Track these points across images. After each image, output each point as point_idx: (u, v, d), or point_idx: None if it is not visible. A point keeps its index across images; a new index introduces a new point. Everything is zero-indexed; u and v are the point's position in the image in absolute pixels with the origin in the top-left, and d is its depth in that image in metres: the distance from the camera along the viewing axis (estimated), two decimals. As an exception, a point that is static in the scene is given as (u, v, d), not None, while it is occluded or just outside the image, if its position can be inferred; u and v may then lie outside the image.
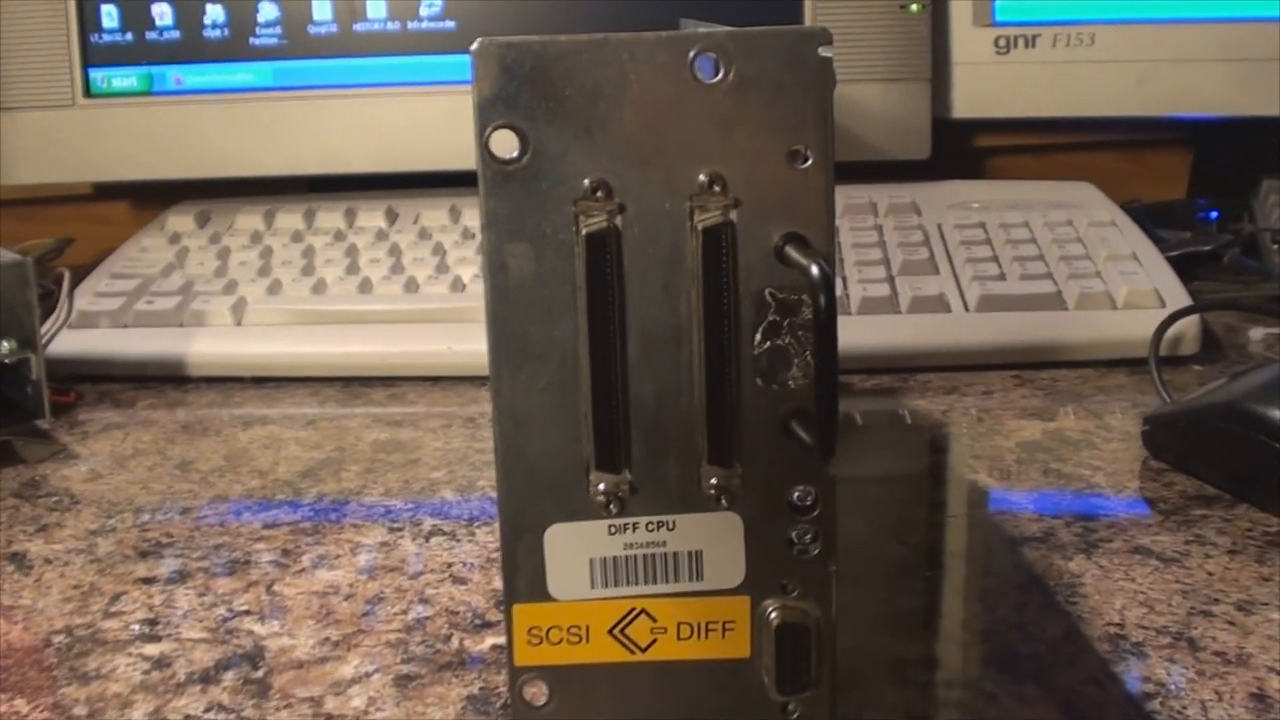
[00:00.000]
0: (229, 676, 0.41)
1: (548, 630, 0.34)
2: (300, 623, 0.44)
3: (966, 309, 0.72)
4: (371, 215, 0.84)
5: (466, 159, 0.82)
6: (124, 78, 0.89)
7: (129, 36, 0.89)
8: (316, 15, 0.87)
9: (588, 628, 0.34)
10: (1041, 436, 0.60)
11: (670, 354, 0.33)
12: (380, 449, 0.61)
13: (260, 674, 0.41)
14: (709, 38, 0.31)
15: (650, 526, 0.33)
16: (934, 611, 0.46)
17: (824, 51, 0.31)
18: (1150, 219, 0.89)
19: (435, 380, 0.70)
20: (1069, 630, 0.43)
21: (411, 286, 0.75)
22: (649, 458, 0.33)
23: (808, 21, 0.86)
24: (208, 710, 0.39)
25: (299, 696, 0.40)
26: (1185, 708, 0.38)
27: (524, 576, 0.34)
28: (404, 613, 0.45)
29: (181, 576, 0.48)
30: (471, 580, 0.47)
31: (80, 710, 0.39)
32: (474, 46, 0.31)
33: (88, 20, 0.88)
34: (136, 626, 0.45)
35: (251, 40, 0.88)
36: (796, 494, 0.34)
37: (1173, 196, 1.00)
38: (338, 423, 0.65)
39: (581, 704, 0.35)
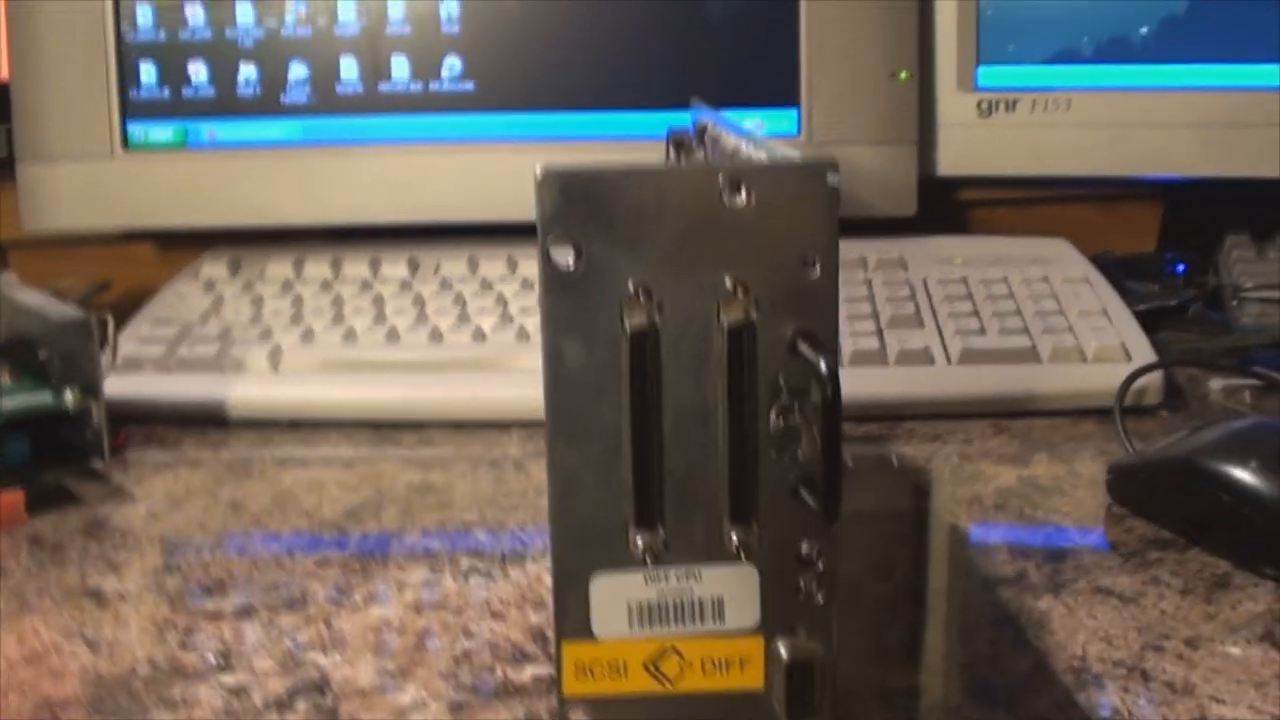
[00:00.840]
0: (301, 704, 0.47)
1: (591, 665, 0.40)
2: (359, 655, 0.50)
3: (949, 361, 0.78)
4: (395, 265, 0.90)
5: (483, 212, 0.89)
6: (161, 131, 0.95)
7: (166, 92, 0.94)
8: (344, 75, 0.93)
9: (626, 663, 0.40)
10: (1016, 482, 0.66)
11: (699, 430, 0.38)
12: (414, 491, 0.66)
13: (329, 701, 0.47)
14: (735, 168, 0.37)
15: (680, 576, 0.39)
16: (917, 643, 0.51)
17: (831, 179, 0.37)
18: (1121, 271, 0.95)
19: (460, 425, 0.76)
20: (1037, 663, 0.49)
21: (436, 336, 0.81)
22: (680, 517, 0.39)
23: (804, 89, 0.91)
24: (286, 731, 0.45)
25: None
26: (1137, 732, 0.44)
27: (572, 618, 0.39)
28: (451, 646, 0.50)
29: (246, 612, 0.54)
30: (509, 616, 0.53)
31: (172, 730, 0.45)
32: (538, 174, 0.37)
33: (127, 76, 0.94)
34: (212, 658, 0.50)
35: (282, 98, 0.94)
36: (804, 549, 0.39)
37: (1144, 247, 1.05)
38: (373, 466, 0.70)
39: (619, 728, 0.40)
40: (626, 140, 0.92)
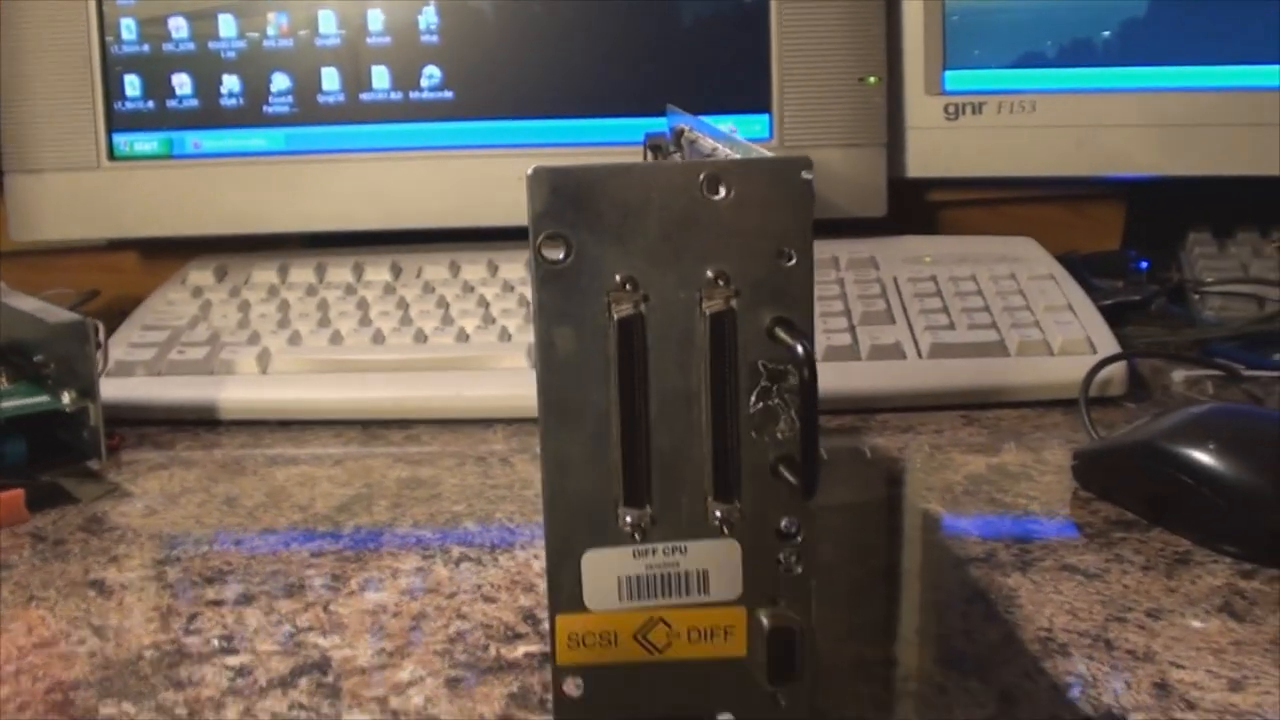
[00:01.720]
0: (304, 682, 0.49)
1: (584, 636, 0.42)
2: (358, 636, 0.52)
3: (920, 356, 0.80)
4: (378, 270, 0.92)
5: (463, 217, 0.91)
6: (146, 142, 0.97)
7: (150, 104, 0.96)
8: (325, 85, 0.95)
9: (616, 633, 0.42)
10: (986, 470, 0.68)
11: (683, 413, 0.41)
12: (404, 486, 0.69)
13: (330, 679, 0.49)
14: (715, 165, 0.39)
15: (667, 551, 0.41)
16: (893, 620, 0.54)
17: (805, 175, 0.39)
18: (1086, 268, 0.98)
19: (446, 423, 0.78)
20: (1006, 634, 0.51)
21: (420, 337, 0.83)
22: (666, 495, 0.41)
23: (775, 95, 0.94)
24: (290, 709, 0.47)
25: (366, 697, 0.48)
26: (1100, 695, 0.46)
27: (565, 592, 0.41)
28: (445, 627, 0.53)
29: (246, 599, 0.56)
30: (500, 599, 0.55)
31: (181, 711, 0.47)
32: (529, 173, 0.39)
33: (112, 88, 0.96)
34: (216, 642, 0.52)
35: (265, 108, 0.96)
36: (784, 524, 0.42)
37: (1109, 245, 1.08)
38: (362, 462, 0.72)
39: (610, 696, 0.42)
40: (603, 146, 0.94)
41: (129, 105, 0.96)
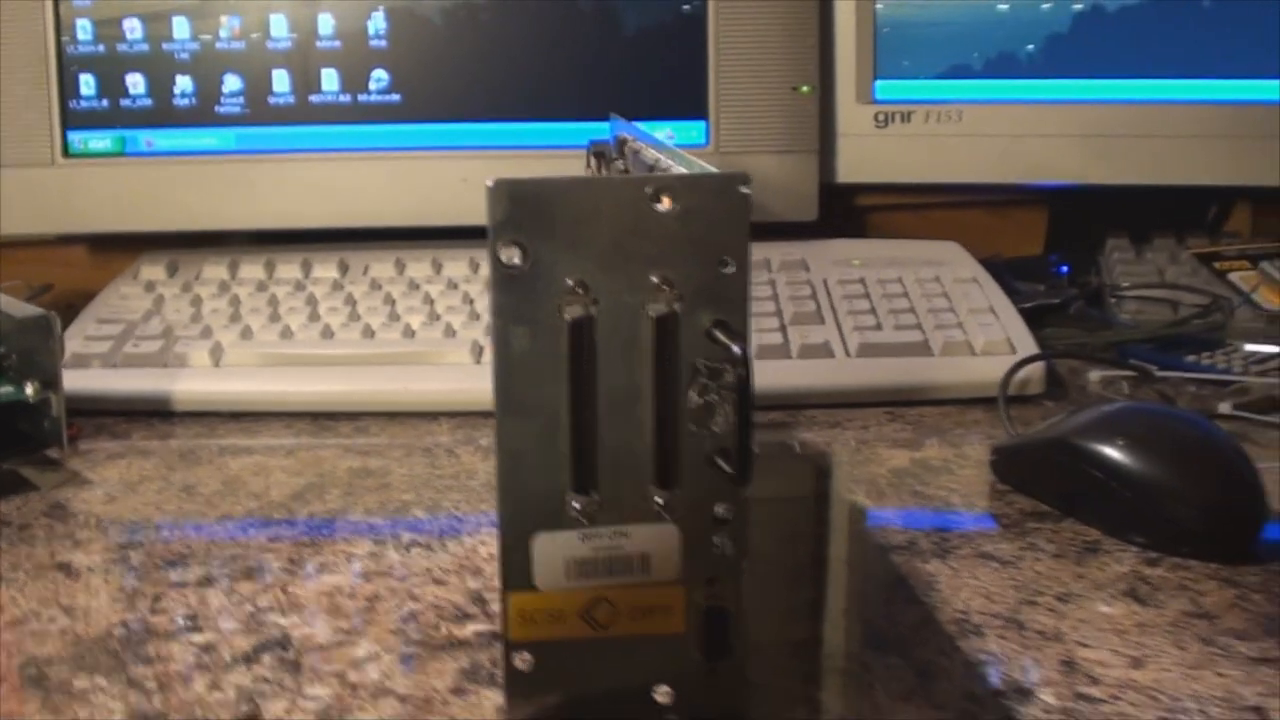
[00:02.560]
0: (266, 658, 0.52)
1: (533, 613, 0.45)
2: (316, 616, 0.55)
3: (848, 355, 0.84)
4: (326, 267, 0.95)
5: (410, 217, 0.94)
6: (100, 140, 0.99)
7: (105, 103, 0.99)
8: (276, 87, 0.98)
9: (563, 611, 0.45)
10: (909, 464, 0.72)
11: (629, 407, 0.44)
12: (355, 475, 0.71)
13: (291, 655, 0.52)
14: (661, 180, 0.42)
15: (611, 535, 0.45)
16: (820, 603, 0.57)
17: (744, 189, 0.43)
18: (1009, 272, 1.02)
19: (394, 415, 0.81)
20: (925, 616, 0.54)
21: (368, 333, 0.86)
22: (611, 483, 0.44)
23: (712, 102, 0.97)
24: (255, 682, 0.50)
25: (326, 671, 0.51)
26: (1011, 671, 0.50)
27: (516, 572, 0.45)
28: (399, 607, 0.56)
29: (208, 581, 0.59)
30: (449, 582, 0.58)
31: (151, 684, 0.50)
32: (489, 184, 0.42)
33: (67, 87, 0.98)
34: (181, 620, 0.55)
35: (217, 108, 0.98)
36: (719, 510, 0.45)
37: (1032, 249, 1.12)
38: (314, 453, 0.75)
39: (557, 669, 0.46)
40: (544, 150, 0.98)
41: (84, 104, 0.98)
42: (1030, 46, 1.01)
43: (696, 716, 0.46)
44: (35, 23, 0.97)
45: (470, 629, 0.54)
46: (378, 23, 0.97)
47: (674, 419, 0.44)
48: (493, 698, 0.48)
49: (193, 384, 0.82)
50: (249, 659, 0.52)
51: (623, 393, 0.44)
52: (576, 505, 0.44)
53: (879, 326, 0.86)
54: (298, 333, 0.86)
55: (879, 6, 1.01)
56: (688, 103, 0.98)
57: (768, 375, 0.81)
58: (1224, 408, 0.78)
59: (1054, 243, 1.12)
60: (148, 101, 0.98)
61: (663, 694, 0.46)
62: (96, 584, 0.59)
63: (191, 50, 0.97)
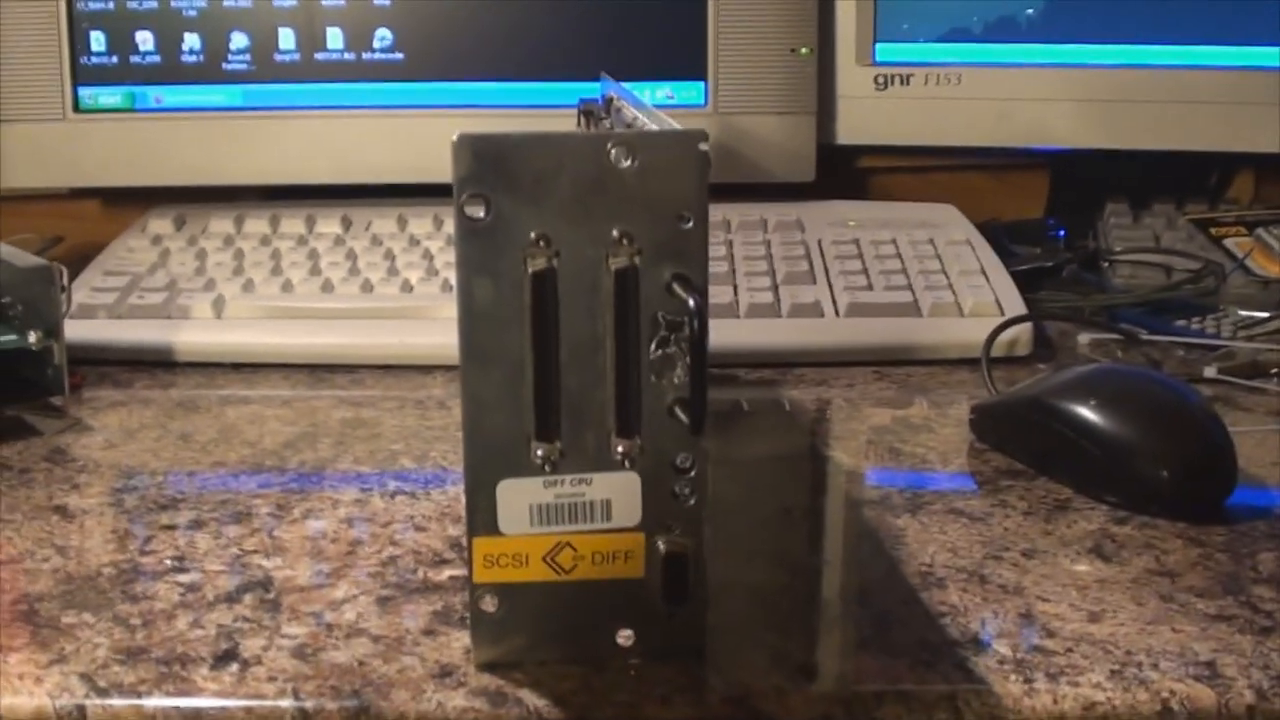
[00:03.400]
0: (248, 598, 0.54)
1: (498, 557, 0.47)
2: (298, 559, 0.57)
3: (838, 314, 0.85)
4: (329, 222, 0.96)
5: (411, 174, 0.95)
6: (109, 95, 1.01)
7: (114, 59, 1.00)
8: (282, 44, 0.99)
9: (527, 555, 0.47)
10: (890, 422, 0.73)
11: (590, 358, 0.45)
12: (347, 426, 0.73)
13: (272, 596, 0.54)
14: (622, 137, 0.44)
15: (574, 482, 0.46)
16: (787, 552, 0.59)
17: (702, 146, 0.44)
18: (1006, 235, 1.03)
19: (389, 368, 0.82)
20: (890, 568, 0.56)
21: (367, 287, 0.87)
22: (574, 431, 0.46)
23: (711, 63, 0.99)
24: (235, 621, 0.52)
25: (304, 612, 0.52)
26: (969, 622, 0.51)
27: (482, 517, 0.46)
28: (379, 552, 0.57)
29: (197, 524, 0.61)
30: (430, 529, 0.60)
31: (136, 620, 0.52)
32: (454, 139, 0.43)
33: (78, 43, 1.00)
34: (168, 561, 0.57)
35: (224, 65, 1.00)
36: (679, 459, 0.46)
37: (1032, 212, 1.13)
38: (308, 403, 0.77)
39: (522, 611, 0.47)
40: (544, 109, 0.99)
41: (94, 60, 1.00)
42: (1030, 10, 1.02)
43: (657, 658, 0.48)
44: (45, -21, 0.99)
45: (446, 574, 0.55)
46: (383, -18, 0.98)
47: (634, 370, 0.45)
48: (462, 639, 0.50)
49: (194, 335, 0.84)
50: (231, 599, 0.53)
51: (584, 344, 0.45)
52: (540, 453, 0.46)
53: (870, 287, 0.87)
54: (298, 286, 0.88)
55: (880, -31, 1.02)
56: (687, 63, 0.99)
57: (757, 333, 0.83)
58: (1209, 372, 0.79)
59: (1054, 206, 1.13)
60: (156, 58, 1.00)
61: (624, 636, 0.48)
62: (90, 526, 0.60)
63: (199, 8, 0.99)
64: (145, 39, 1.00)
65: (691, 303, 0.43)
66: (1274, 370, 0.79)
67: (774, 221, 0.96)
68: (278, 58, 0.99)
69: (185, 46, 0.99)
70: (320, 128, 1.00)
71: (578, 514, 0.46)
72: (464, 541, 0.56)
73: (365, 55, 0.99)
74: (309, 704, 0.46)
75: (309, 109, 1.00)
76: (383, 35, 0.99)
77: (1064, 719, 0.47)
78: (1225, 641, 0.50)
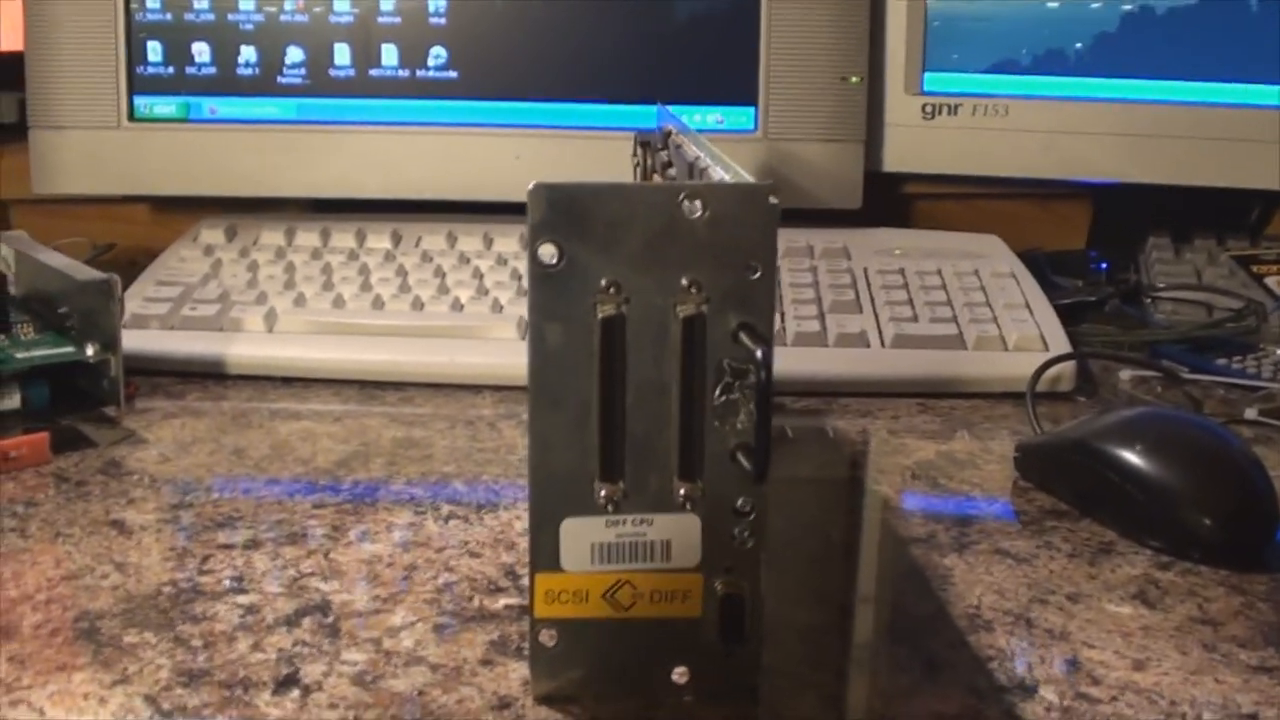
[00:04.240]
0: (306, 621, 0.54)
1: (559, 593, 0.47)
2: (355, 583, 0.58)
3: (883, 345, 0.85)
4: (379, 237, 0.97)
5: (462, 191, 0.97)
6: (165, 105, 1.02)
7: (170, 70, 1.01)
8: (337, 60, 1.00)
9: (588, 592, 0.48)
10: (935, 456, 0.74)
11: (655, 402, 0.46)
12: (398, 445, 0.74)
13: (330, 620, 0.55)
14: (694, 189, 0.45)
15: (636, 522, 0.47)
16: (837, 590, 0.59)
17: (772, 200, 0.45)
18: (1049, 266, 1.03)
19: (439, 387, 0.83)
20: (937, 609, 0.57)
21: (417, 305, 0.88)
22: (637, 473, 0.47)
23: (762, 89, 0.99)
24: (294, 645, 0.53)
25: (363, 637, 0.53)
26: (1015, 668, 0.52)
27: (544, 554, 0.47)
28: (434, 578, 0.58)
29: (254, 544, 0.62)
30: (484, 555, 0.61)
31: (197, 642, 0.53)
32: (529, 188, 0.44)
33: (135, 53, 1.01)
34: (227, 581, 0.58)
35: (279, 79, 1.01)
36: (739, 503, 0.47)
37: (1075, 242, 1.13)
38: (360, 421, 0.78)
39: (580, 646, 0.48)
40: (596, 130, 1.00)
41: (150, 70, 1.01)
42: (1078, 44, 1.02)
43: (712, 697, 0.49)
44: (106, -9, 1.00)
45: (501, 602, 0.56)
46: (438, 1, 0.99)
47: (698, 415, 0.46)
48: (519, 670, 0.51)
49: (246, 348, 0.85)
50: (290, 622, 0.54)
51: (650, 388, 0.46)
52: (603, 493, 0.47)
53: (915, 318, 0.87)
54: (349, 302, 0.89)
55: (930, 0, 1.03)
56: (738, 89, 1.00)
57: (804, 362, 0.83)
58: (1250, 413, 0.80)
59: (1097, 236, 1.13)
60: (212, 70, 1.01)
61: (680, 674, 0.49)
62: (148, 542, 0.62)
63: (256, 21, 1.00)
64: (201, 50, 1.01)
65: (759, 353, 0.44)
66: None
67: (821, 248, 0.96)
68: (332, 73, 1.00)
69: (241, 59, 1.01)
70: (372, 143, 1.01)
71: (638, 553, 0.47)
72: (518, 569, 0.58)
73: (419, 72, 1.00)
74: (370, 733, 0.47)
75: (362, 124, 1.01)
76: (437, 53, 1.00)
77: (1111, 769, 0.47)
78: (1268, 693, 0.51)
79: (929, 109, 1.04)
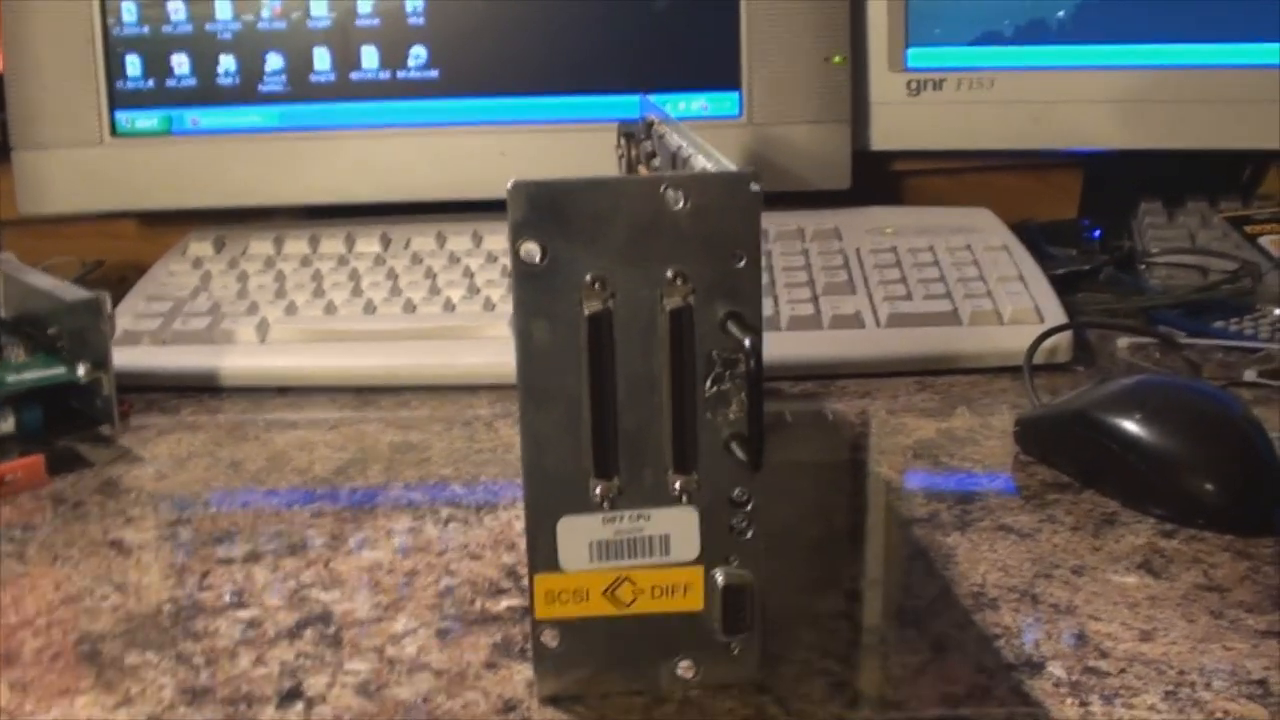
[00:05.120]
0: (308, 633, 0.54)
1: (559, 593, 0.47)
2: (356, 591, 0.57)
3: (878, 325, 0.85)
4: (368, 241, 0.97)
5: (449, 190, 0.96)
6: (146, 119, 1.01)
7: (150, 83, 1.01)
8: (317, 65, 1.00)
9: (587, 590, 0.47)
10: (935, 434, 0.74)
11: (647, 396, 0.46)
12: (396, 450, 0.74)
13: (332, 631, 0.54)
14: (675, 179, 0.44)
15: (632, 517, 0.47)
16: (841, 574, 0.59)
17: (754, 187, 0.44)
18: (1042, 236, 1.03)
19: (434, 389, 0.83)
20: (943, 589, 0.56)
21: (409, 307, 0.88)
22: (631, 468, 0.46)
23: (745, 74, 0.99)
24: (297, 658, 0.52)
25: (365, 646, 0.53)
26: (1023, 645, 0.52)
27: (542, 554, 0.47)
28: (435, 582, 0.58)
29: (254, 557, 0.61)
30: (485, 557, 0.60)
31: (199, 659, 0.52)
32: (509, 185, 0.44)
33: (114, 68, 1.00)
34: (227, 597, 0.58)
35: (260, 86, 1.00)
36: (736, 493, 0.47)
37: (1067, 211, 1.13)
38: (356, 427, 0.78)
39: (583, 645, 0.48)
40: (580, 123, 0.99)
41: (130, 84, 1.01)
42: (1061, 12, 1.02)
43: (718, 688, 0.48)
44: (81, 6, 0.99)
45: (504, 604, 0.56)
46: (415, 1, 0.99)
47: (690, 407, 0.46)
48: (524, 672, 0.51)
49: (239, 360, 0.84)
50: (292, 634, 0.54)
51: (641, 382, 0.46)
52: (598, 490, 0.46)
53: (909, 296, 0.87)
54: (341, 308, 0.88)
55: (910, -25, 1.03)
56: (721, 74, 1.00)
57: (800, 346, 0.83)
58: (1249, 375, 0.79)
59: (1088, 205, 1.13)
60: (192, 81, 1.01)
61: (685, 668, 0.48)
62: (147, 561, 0.61)
63: (234, 30, 0.99)
64: (181, 62, 1.00)
65: (747, 342, 0.44)
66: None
67: (812, 230, 0.96)
68: (313, 78, 1.00)
69: (221, 69, 1.00)
70: (357, 146, 1.00)
71: (637, 549, 0.47)
72: (519, 570, 0.57)
73: (400, 73, 1.00)
74: (376, 743, 0.47)
75: (345, 128, 1.00)
76: (417, 53, 0.99)
77: (1123, 743, 0.47)
78: (1276, 659, 0.50)
79: (914, 85, 1.03)
